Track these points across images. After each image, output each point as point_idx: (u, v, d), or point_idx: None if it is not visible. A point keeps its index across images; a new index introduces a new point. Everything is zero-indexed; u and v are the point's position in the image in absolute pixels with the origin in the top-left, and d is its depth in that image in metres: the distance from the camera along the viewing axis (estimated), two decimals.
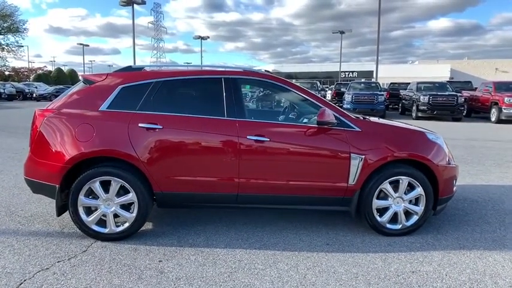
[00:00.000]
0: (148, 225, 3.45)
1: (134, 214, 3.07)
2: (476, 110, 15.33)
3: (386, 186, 3.23)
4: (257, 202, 3.23)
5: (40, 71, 65.29)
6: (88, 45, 57.64)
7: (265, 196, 3.19)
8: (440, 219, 3.72)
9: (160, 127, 3.04)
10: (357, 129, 3.21)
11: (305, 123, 3.29)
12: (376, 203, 3.25)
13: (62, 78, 59.22)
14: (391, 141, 3.23)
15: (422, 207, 3.28)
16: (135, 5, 30.16)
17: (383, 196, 3.27)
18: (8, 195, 4.39)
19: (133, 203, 3.06)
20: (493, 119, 13.38)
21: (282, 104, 3.75)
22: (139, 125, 3.03)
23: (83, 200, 3.04)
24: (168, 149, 3.05)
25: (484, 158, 6.94)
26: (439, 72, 38.12)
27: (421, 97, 14.20)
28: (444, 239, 3.28)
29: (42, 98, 30.55)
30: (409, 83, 18.48)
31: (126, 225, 3.09)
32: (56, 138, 3.03)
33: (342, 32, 34.66)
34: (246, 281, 2.53)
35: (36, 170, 3.09)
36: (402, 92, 17.41)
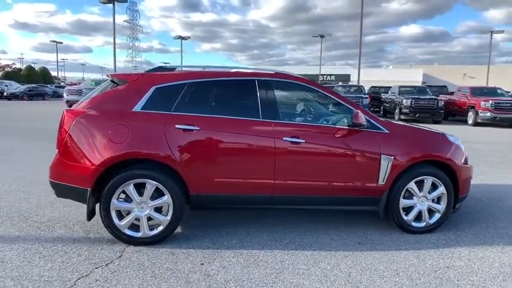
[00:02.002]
0: (177, 229, 3.39)
1: (169, 217, 3.02)
2: (453, 113, 16.11)
3: (412, 186, 3.36)
4: (290, 203, 3.27)
5: (8, 68, 61.94)
6: (61, 43, 55.34)
7: (299, 197, 3.23)
8: (453, 217, 3.91)
9: (198, 128, 3.01)
10: (386, 131, 3.32)
11: (335, 125, 3.35)
12: (403, 202, 3.37)
13: (34, 76, 56.42)
14: (417, 143, 3.37)
15: (444, 206, 3.44)
16: (109, 3, 29.15)
17: (408, 195, 3.39)
18: (15, 199, 4.17)
19: (167, 205, 3.01)
20: (470, 121, 14.14)
21: (310, 106, 3.80)
22: (176, 126, 2.99)
23: (115, 203, 2.96)
24: (205, 150, 3.03)
25: (475, 159, 7.32)
26: (412, 76, 39.68)
27: (404, 100, 14.78)
28: (464, 235, 3.45)
29: (13, 97, 29.03)
30: (388, 87, 19.14)
31: (160, 228, 3.03)
32: (88, 139, 2.93)
33: (322, 36, 35.38)
34: (294, 281, 2.55)
35: (66, 172, 2.97)
36: (384, 96, 18.01)
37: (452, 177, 3.43)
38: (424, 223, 3.44)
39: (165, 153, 2.94)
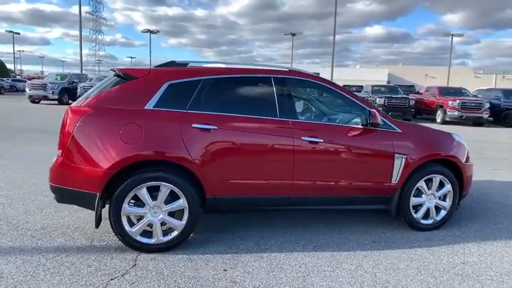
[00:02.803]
0: None
1: (184, 222, 2.85)
2: (421, 111, 16.89)
3: (422, 184, 3.42)
4: (308, 203, 3.21)
5: None
6: (19, 33, 50.96)
7: (316, 197, 3.19)
8: (454, 213, 4.04)
9: (215, 128, 2.86)
10: (398, 130, 3.35)
11: (350, 124, 3.33)
12: (413, 201, 3.43)
13: None
14: (427, 142, 3.43)
15: (450, 203, 3.55)
16: None
17: (417, 194, 3.46)
18: None
19: (183, 209, 2.85)
20: (439, 120, 14.88)
21: (324, 105, 3.76)
22: (193, 125, 2.82)
23: (127, 208, 2.74)
24: (223, 150, 2.89)
25: None
26: (378, 76, 41.20)
27: (377, 99, 15.27)
28: (468, 231, 3.57)
29: None
30: (360, 86, 19.69)
31: (175, 233, 2.86)
32: (96, 140, 2.69)
33: (293, 34, 35.70)
34: (324, 284, 2.50)
35: (70, 176, 2.71)
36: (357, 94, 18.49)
37: (457, 175, 3.54)
38: (432, 220, 3.52)
39: (182, 154, 2.77)
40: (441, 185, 3.51)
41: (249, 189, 3.00)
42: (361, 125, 3.25)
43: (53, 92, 17.92)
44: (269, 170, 3.01)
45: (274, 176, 3.02)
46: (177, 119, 2.80)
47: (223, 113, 2.95)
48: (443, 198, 3.55)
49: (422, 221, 3.50)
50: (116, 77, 2.98)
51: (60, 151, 2.73)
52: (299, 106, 3.49)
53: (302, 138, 3.03)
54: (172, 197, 2.83)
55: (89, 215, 3.57)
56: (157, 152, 2.73)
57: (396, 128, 3.35)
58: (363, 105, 3.33)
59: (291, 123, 3.04)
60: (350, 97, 3.35)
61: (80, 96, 17.37)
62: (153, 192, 2.80)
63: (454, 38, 34.12)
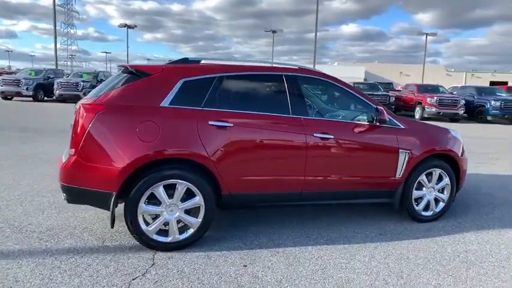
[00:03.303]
0: None
1: (200, 219, 2.86)
2: (400, 108, 17.44)
3: (423, 177, 3.58)
4: (318, 199, 3.29)
5: None
6: None
7: (326, 192, 3.27)
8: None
9: (231, 125, 2.87)
10: (402, 126, 3.49)
11: (357, 120, 3.42)
12: (415, 194, 3.58)
13: None
14: (428, 138, 3.59)
15: (448, 195, 3.73)
16: None
17: (418, 187, 3.61)
18: None
19: (199, 207, 2.85)
20: (417, 116, 15.43)
21: (331, 102, 3.83)
22: (210, 123, 2.82)
23: (143, 207, 2.72)
24: (239, 147, 2.91)
25: None
26: (355, 73, 42.03)
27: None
28: (464, 222, 3.77)
29: None
30: None
31: (191, 231, 2.86)
32: (112, 138, 2.64)
33: (273, 31, 35.81)
34: (343, 276, 2.58)
35: (85, 175, 2.65)
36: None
37: (454, 168, 3.73)
38: (432, 212, 3.69)
39: (199, 151, 2.77)
40: (440, 178, 3.68)
41: (262, 186, 3.03)
42: (368, 122, 3.36)
43: (27, 88, 17.15)
44: (282, 166, 3.06)
45: (287, 172, 3.07)
46: (194, 116, 2.80)
47: (237, 110, 2.96)
48: (442, 190, 3.73)
49: (423, 213, 3.66)
50: (126, 74, 2.92)
51: (73, 150, 2.66)
52: (309, 103, 3.54)
53: (314, 134, 3.10)
54: (188, 195, 2.82)
55: (94, 215, 3.50)
56: (175, 150, 2.72)
57: (400, 124, 3.48)
58: (369, 102, 3.43)
59: (303, 120, 3.10)
60: (357, 95, 3.45)
61: (58, 92, 16.82)
62: (168, 190, 2.79)
63: (425, 37, 35.33)
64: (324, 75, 3.42)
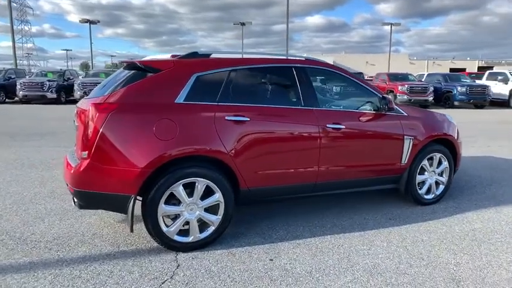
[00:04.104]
0: None
1: (220, 216, 2.81)
2: None
3: (425, 162, 3.72)
4: (331, 188, 3.33)
5: None
6: None
7: (338, 182, 3.31)
8: None
9: (248, 119, 2.82)
10: (405, 114, 3.59)
11: (364, 110, 3.47)
12: (418, 178, 3.72)
13: None
14: (429, 123, 3.72)
15: (447, 178, 3.90)
16: None
17: (421, 172, 3.75)
18: None
19: (218, 204, 2.79)
20: None
21: (334, 92, 3.86)
22: (226, 118, 2.75)
23: (164, 208, 2.62)
24: (256, 142, 2.87)
25: None
26: None
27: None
28: (462, 203, 3.96)
29: None
30: None
31: (211, 229, 2.80)
32: (128, 137, 2.51)
33: (242, 24, 35.51)
34: (369, 262, 2.64)
35: (101, 179, 2.51)
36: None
37: (452, 152, 3.90)
38: (433, 195, 3.85)
39: (218, 147, 2.70)
40: (439, 162, 3.84)
41: (279, 179, 3.02)
42: (374, 110, 3.43)
43: None
44: (298, 158, 3.06)
45: (302, 164, 3.08)
46: (210, 112, 2.72)
47: (251, 103, 2.92)
48: (441, 174, 3.89)
49: (425, 197, 3.81)
50: (134, 70, 2.78)
51: (86, 152, 2.51)
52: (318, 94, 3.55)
53: (327, 125, 3.12)
54: (206, 193, 2.76)
55: (99, 220, 3.35)
56: (195, 147, 2.64)
57: (403, 112, 3.58)
58: (375, 91, 3.50)
59: (315, 112, 3.11)
60: (363, 84, 3.51)
61: (21, 93, 15.79)
62: (187, 189, 2.71)
63: (387, 27, 36.55)
64: (331, 66, 3.44)
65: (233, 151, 2.76)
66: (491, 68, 44.43)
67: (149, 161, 2.50)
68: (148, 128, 2.54)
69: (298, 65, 3.19)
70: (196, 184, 2.69)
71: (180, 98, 2.68)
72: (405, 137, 3.51)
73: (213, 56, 2.99)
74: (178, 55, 3.21)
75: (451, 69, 45.51)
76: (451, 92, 15.92)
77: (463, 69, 45.32)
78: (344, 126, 3.20)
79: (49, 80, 16.64)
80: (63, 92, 17.20)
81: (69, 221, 3.34)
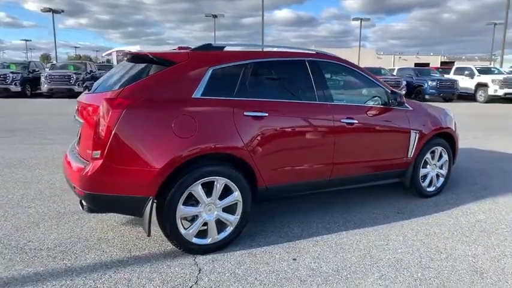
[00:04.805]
0: None
1: (238, 216, 2.69)
2: None
3: (428, 156, 3.79)
4: (344, 183, 3.30)
5: None
6: None
7: (351, 177, 3.30)
8: None
9: (266, 114, 2.71)
10: (410, 108, 3.62)
11: (373, 104, 3.46)
12: (422, 172, 3.78)
13: None
14: (433, 117, 3.79)
15: (446, 170, 4.01)
16: None
17: (424, 165, 3.82)
18: None
19: (236, 203, 2.68)
20: None
21: (343, 86, 3.80)
22: (245, 113, 2.63)
23: (182, 209, 2.47)
24: (274, 138, 2.77)
25: None
26: None
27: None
28: (460, 194, 4.07)
29: None
30: None
31: (230, 230, 2.69)
32: (145, 135, 2.32)
33: (214, 16, 34.83)
34: (391, 257, 2.64)
35: (115, 181, 2.31)
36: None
37: (451, 145, 4.00)
38: (434, 187, 3.94)
39: (238, 144, 2.58)
40: (440, 155, 3.93)
41: (295, 175, 2.95)
42: (383, 105, 3.43)
43: None
44: (314, 154, 3.00)
45: (318, 159, 3.03)
46: (229, 107, 2.58)
47: (268, 98, 2.82)
48: (441, 167, 3.99)
49: (428, 189, 3.89)
50: (145, 63, 2.58)
51: (99, 152, 2.29)
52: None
53: (341, 120, 3.08)
54: (224, 192, 2.64)
55: (100, 222, 3.12)
56: (215, 144, 2.49)
57: (409, 106, 3.61)
58: (383, 86, 3.50)
59: (329, 106, 3.06)
60: (372, 78, 3.49)
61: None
62: (204, 188, 2.57)
63: (353, 22, 37.38)
64: (340, 59, 3.40)
65: (251, 148, 2.65)
66: (452, 63, 46.76)
67: (169, 160, 2.34)
68: (167, 124, 2.36)
69: (311, 58, 3.11)
70: (215, 183, 2.55)
71: (198, 93, 2.52)
72: (411, 131, 3.55)
73: (227, 48, 2.84)
74: (185, 47, 3.04)
75: (416, 64, 47.30)
76: (422, 86, 16.55)
77: (427, 64, 47.36)
78: (357, 121, 3.17)
79: (12, 72, 15.54)
80: (28, 85, 16.14)
81: (67, 225, 3.09)
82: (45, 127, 8.15)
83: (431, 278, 2.38)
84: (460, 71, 18.21)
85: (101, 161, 2.29)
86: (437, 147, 3.83)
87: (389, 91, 3.45)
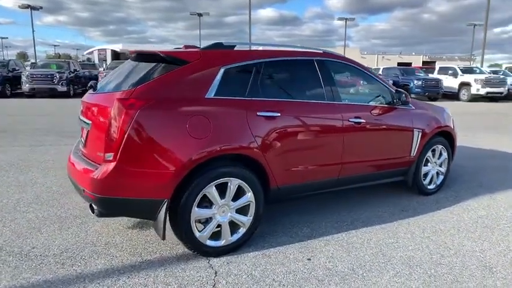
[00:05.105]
0: None
1: (251, 217, 2.67)
2: None
3: (429, 154, 3.86)
4: (351, 183, 3.32)
5: None
6: None
7: (358, 176, 3.32)
8: None
9: (279, 114, 2.69)
10: (413, 107, 3.67)
11: (377, 103, 3.49)
12: (424, 170, 3.85)
13: None
14: (434, 116, 3.86)
15: (446, 168, 4.09)
16: None
17: (425, 163, 3.88)
18: None
19: (249, 204, 2.65)
20: None
21: (348, 85, 3.82)
22: (258, 113, 2.60)
23: (197, 211, 2.43)
24: (286, 138, 2.75)
25: None
26: None
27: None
28: (458, 191, 4.16)
29: None
30: None
31: (243, 231, 2.66)
32: (160, 136, 2.26)
33: (199, 15, 34.51)
34: (403, 255, 2.67)
35: (130, 183, 2.24)
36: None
37: (450, 143, 4.09)
38: (434, 185, 4.02)
39: (252, 145, 2.55)
40: (440, 153, 4.01)
41: (306, 175, 2.95)
42: (387, 104, 3.47)
43: None
44: (324, 153, 3.00)
45: (328, 159, 3.03)
46: (243, 107, 2.55)
47: (279, 98, 2.80)
48: (441, 164, 4.07)
49: (428, 187, 3.96)
50: (155, 62, 2.51)
51: (112, 154, 2.22)
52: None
53: (349, 120, 3.09)
54: (237, 193, 2.61)
55: (105, 226, 3.04)
56: (230, 145, 2.46)
57: (411, 106, 3.66)
58: (388, 86, 3.54)
59: (338, 106, 3.07)
60: (377, 78, 3.53)
61: None
62: (220, 189, 2.54)
63: (336, 22, 38.00)
64: (346, 59, 3.41)
65: (264, 148, 2.63)
66: (434, 62, 47.96)
67: (185, 162, 2.29)
68: (182, 125, 2.31)
69: (319, 58, 3.11)
70: (229, 184, 2.52)
71: (211, 93, 2.48)
72: (414, 129, 3.60)
73: (238, 47, 2.80)
74: (192, 46, 2.99)
75: (399, 63, 48.24)
76: (408, 85, 16.87)
77: (410, 64, 48.39)
78: (364, 120, 3.20)
79: None
80: (8, 84, 15.58)
81: (71, 229, 2.99)
82: (31, 128, 7.88)
83: (445, 274, 2.43)
84: (443, 70, 18.68)
85: (114, 164, 2.22)
86: (437, 145, 3.90)
87: (394, 90, 3.49)
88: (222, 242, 2.58)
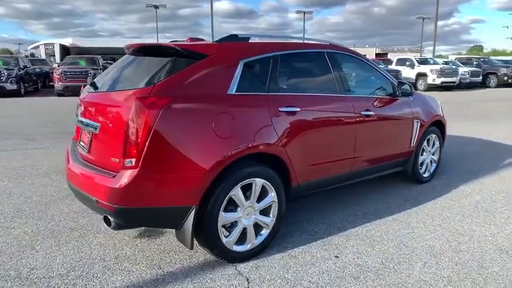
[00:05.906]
0: None
1: (274, 217, 2.56)
2: None
3: (425, 143, 3.97)
4: (362, 175, 3.31)
5: None
6: None
7: (367, 168, 3.32)
8: None
9: (298, 109, 2.58)
10: (411, 98, 3.74)
11: (380, 95, 3.49)
12: (420, 159, 3.95)
13: None
14: (429, 106, 3.96)
15: (438, 156, 4.24)
16: None
17: (422, 152, 3.99)
18: None
19: (272, 204, 2.53)
20: None
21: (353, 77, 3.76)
22: (280, 109, 2.47)
23: (223, 216, 2.27)
24: (306, 133, 2.65)
25: None
26: None
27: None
28: (451, 178, 4.30)
29: None
30: None
31: (266, 233, 2.54)
32: (185, 137, 2.06)
33: (156, 7, 33.06)
34: (423, 245, 2.70)
35: (154, 191, 2.02)
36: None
37: (441, 132, 4.24)
38: (429, 173, 4.15)
39: (276, 142, 2.42)
40: (433, 142, 4.14)
41: (324, 171, 2.89)
42: (389, 95, 3.50)
43: None
44: (339, 147, 2.96)
45: (343, 153, 3.00)
46: (265, 103, 2.41)
47: (297, 92, 2.70)
48: (433, 153, 4.21)
49: (424, 175, 4.09)
50: (165, 56, 2.27)
51: (133, 160, 1.98)
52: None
53: (361, 112, 3.07)
54: (260, 193, 2.48)
55: (109, 238, 2.77)
56: (258, 143, 2.31)
57: (410, 96, 3.73)
58: (389, 77, 3.56)
59: (350, 99, 3.03)
60: (380, 70, 3.53)
61: None
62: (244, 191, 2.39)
63: (290, 15, 38.98)
64: (351, 51, 3.38)
65: (287, 145, 2.52)
66: (386, 54, 50.28)
67: (213, 164, 2.11)
68: (207, 124, 2.13)
69: (328, 50, 3.04)
70: (253, 185, 2.38)
71: (232, 89, 2.30)
72: (414, 120, 3.68)
73: (252, 40, 2.64)
74: (197, 38, 2.78)
75: None
76: None
77: (364, 56, 50.38)
78: (373, 113, 3.19)
79: None
80: None
81: (70, 244, 2.69)
82: (3, 130, 7.09)
83: (469, 261, 2.49)
84: (401, 62, 19.59)
85: (136, 170, 1.99)
86: (431, 135, 4.03)
87: (396, 82, 3.53)
88: (247, 246, 2.44)
